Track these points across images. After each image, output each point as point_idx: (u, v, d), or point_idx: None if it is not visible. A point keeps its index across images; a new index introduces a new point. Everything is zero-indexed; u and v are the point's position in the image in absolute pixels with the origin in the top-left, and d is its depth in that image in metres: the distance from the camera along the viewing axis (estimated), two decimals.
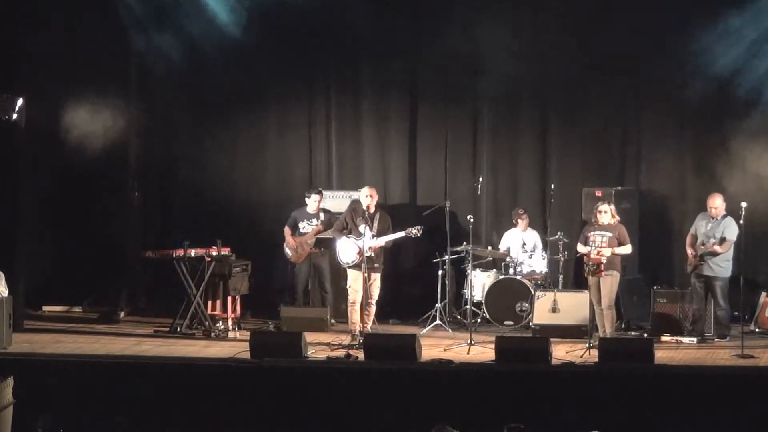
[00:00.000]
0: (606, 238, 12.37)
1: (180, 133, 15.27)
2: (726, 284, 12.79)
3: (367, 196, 12.73)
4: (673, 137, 14.34)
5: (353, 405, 10.51)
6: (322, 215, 13.96)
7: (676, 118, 14.26)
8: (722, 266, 12.75)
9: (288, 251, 14.00)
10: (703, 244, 12.81)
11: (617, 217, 12.56)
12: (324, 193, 14.29)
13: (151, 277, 14.86)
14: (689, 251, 12.93)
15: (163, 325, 13.50)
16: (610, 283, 12.32)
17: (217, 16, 14.60)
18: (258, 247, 14.50)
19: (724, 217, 12.80)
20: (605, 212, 12.46)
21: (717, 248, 12.68)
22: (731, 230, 12.63)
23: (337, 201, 14.43)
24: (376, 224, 12.64)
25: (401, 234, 12.73)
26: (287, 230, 14.02)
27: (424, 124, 15.14)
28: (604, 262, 12.25)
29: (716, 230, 12.78)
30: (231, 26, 14.64)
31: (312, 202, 13.95)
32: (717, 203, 12.82)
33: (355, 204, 13.25)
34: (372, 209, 12.70)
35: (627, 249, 12.48)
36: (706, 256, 12.75)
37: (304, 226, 13.98)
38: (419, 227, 12.75)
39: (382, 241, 12.61)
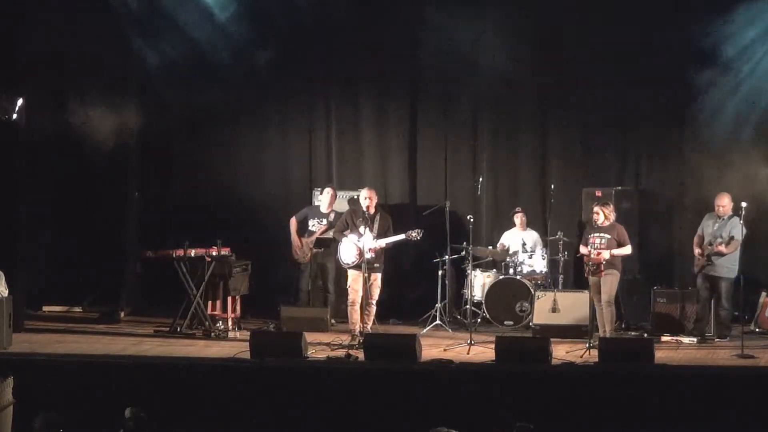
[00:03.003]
0: (605, 240, 12.38)
1: (180, 133, 15.28)
2: (731, 286, 12.79)
3: (365, 198, 12.73)
4: (673, 137, 14.34)
5: (353, 405, 10.50)
6: (332, 215, 13.98)
7: (676, 118, 14.25)
8: (729, 267, 12.74)
9: (293, 250, 14.02)
10: (710, 244, 12.81)
11: (611, 218, 12.53)
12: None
13: (151, 277, 14.85)
14: (696, 251, 12.93)
15: (163, 325, 13.49)
16: (610, 281, 12.33)
17: (216, 15, 14.60)
18: (258, 247, 14.50)
19: (730, 217, 12.80)
20: (597, 213, 12.49)
21: (722, 249, 12.68)
22: (738, 230, 12.63)
23: (337, 201, 14.45)
24: (376, 225, 12.65)
25: (401, 237, 12.73)
26: (294, 224, 14.01)
27: (424, 124, 15.15)
28: (604, 262, 12.26)
29: (723, 230, 12.78)
30: (231, 26, 14.64)
31: (325, 195, 13.98)
32: (725, 202, 12.82)
33: (355, 204, 13.27)
34: (372, 210, 12.70)
35: (626, 250, 12.47)
36: (713, 257, 12.76)
37: (314, 224, 14.03)
38: (419, 230, 12.73)
39: (382, 242, 12.62)
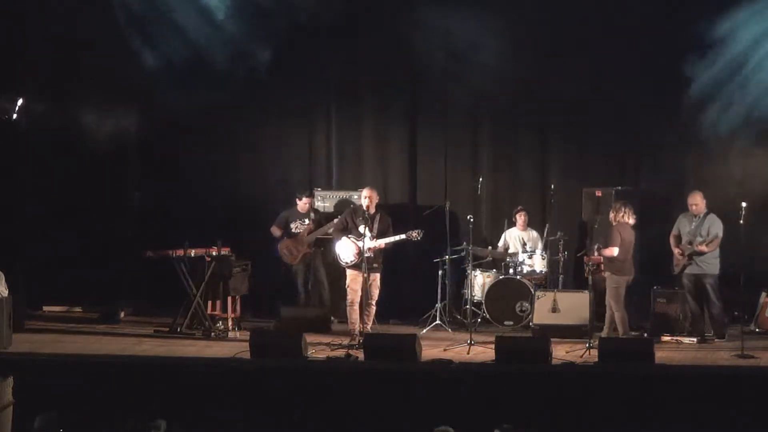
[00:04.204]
0: (601, 240, 12.45)
1: (180, 133, 15.25)
2: (716, 281, 12.83)
3: (365, 198, 12.75)
4: (673, 137, 14.33)
5: (353, 405, 10.50)
6: (312, 215, 14.04)
7: (677, 118, 14.24)
8: (710, 263, 12.81)
9: (282, 252, 14.04)
10: (690, 243, 12.84)
11: (614, 219, 12.55)
12: (320, 193, 14.42)
13: (151, 277, 14.84)
14: (675, 251, 12.96)
15: (163, 325, 13.50)
16: (608, 285, 12.40)
17: (216, 16, 14.60)
18: (258, 247, 14.50)
19: (706, 214, 12.85)
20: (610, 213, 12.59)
21: (703, 248, 12.72)
22: (717, 226, 12.71)
23: (337, 201, 14.47)
24: (376, 225, 12.66)
25: (402, 236, 12.73)
26: (276, 230, 14.05)
27: (424, 124, 15.16)
28: (602, 261, 12.32)
29: (701, 228, 12.83)
30: (230, 26, 14.64)
31: (303, 204, 14.02)
32: (697, 200, 12.91)
33: (356, 204, 13.29)
34: (372, 210, 12.70)
35: (607, 251, 12.46)
36: (694, 256, 12.78)
37: (297, 227, 14.05)
38: (419, 230, 12.73)
39: (381, 242, 12.62)
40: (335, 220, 13.41)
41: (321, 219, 14.02)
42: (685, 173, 14.28)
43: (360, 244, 12.53)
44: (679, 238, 13.01)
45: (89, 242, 14.93)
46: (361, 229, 12.60)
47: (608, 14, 14.06)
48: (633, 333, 13.12)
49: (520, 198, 14.84)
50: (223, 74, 14.73)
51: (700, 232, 12.80)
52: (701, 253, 12.75)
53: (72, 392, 10.44)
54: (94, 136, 14.49)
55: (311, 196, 14.15)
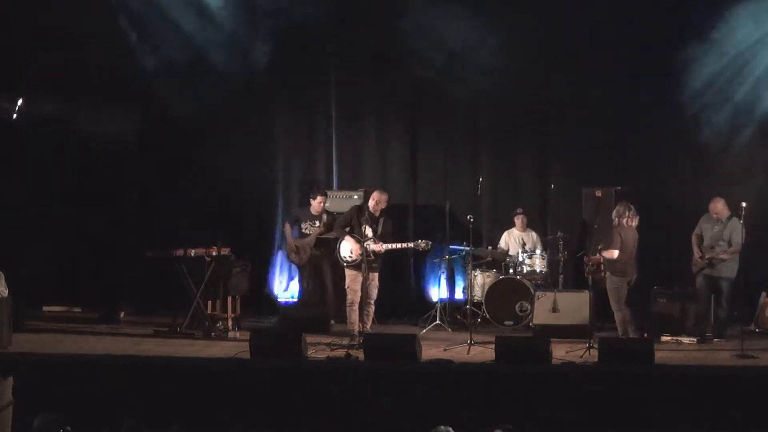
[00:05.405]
0: (603, 239, 12.46)
1: (180, 133, 15.26)
2: (731, 284, 12.79)
3: (373, 200, 12.73)
4: (673, 137, 14.33)
5: (353, 405, 10.50)
6: (324, 216, 13.99)
7: (676, 119, 14.25)
8: (728, 266, 12.74)
9: (290, 253, 14.02)
10: (711, 248, 12.80)
11: (617, 222, 12.57)
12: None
13: (151, 277, 14.84)
14: (696, 252, 12.92)
15: (163, 325, 13.48)
16: (608, 286, 12.39)
17: (215, 14, 14.61)
18: (258, 247, 14.51)
19: (729, 218, 12.79)
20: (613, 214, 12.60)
21: (725, 256, 12.67)
22: (738, 233, 12.61)
23: (337, 201, 14.46)
24: (379, 228, 12.65)
25: (410, 245, 12.71)
26: (288, 229, 14.04)
27: (424, 124, 15.16)
28: (603, 262, 12.34)
29: (723, 233, 12.77)
30: (230, 26, 14.65)
31: (316, 204, 13.98)
32: (719, 208, 12.83)
33: (362, 203, 13.28)
34: (376, 213, 12.69)
35: (608, 254, 12.44)
36: (714, 261, 12.75)
37: (307, 227, 14.02)
38: (427, 241, 12.69)
39: (388, 246, 12.59)
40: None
41: (333, 221, 13.96)
42: (685, 173, 14.27)
43: (362, 243, 12.51)
44: (700, 238, 12.97)
45: (89, 242, 14.93)
46: (364, 228, 12.59)
47: (608, 13, 14.05)
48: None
49: (520, 198, 14.85)
50: (224, 74, 14.75)
51: (722, 236, 12.77)
52: (722, 261, 12.73)
53: (72, 392, 10.44)
54: (95, 136, 14.49)
55: (324, 195, 14.11)
